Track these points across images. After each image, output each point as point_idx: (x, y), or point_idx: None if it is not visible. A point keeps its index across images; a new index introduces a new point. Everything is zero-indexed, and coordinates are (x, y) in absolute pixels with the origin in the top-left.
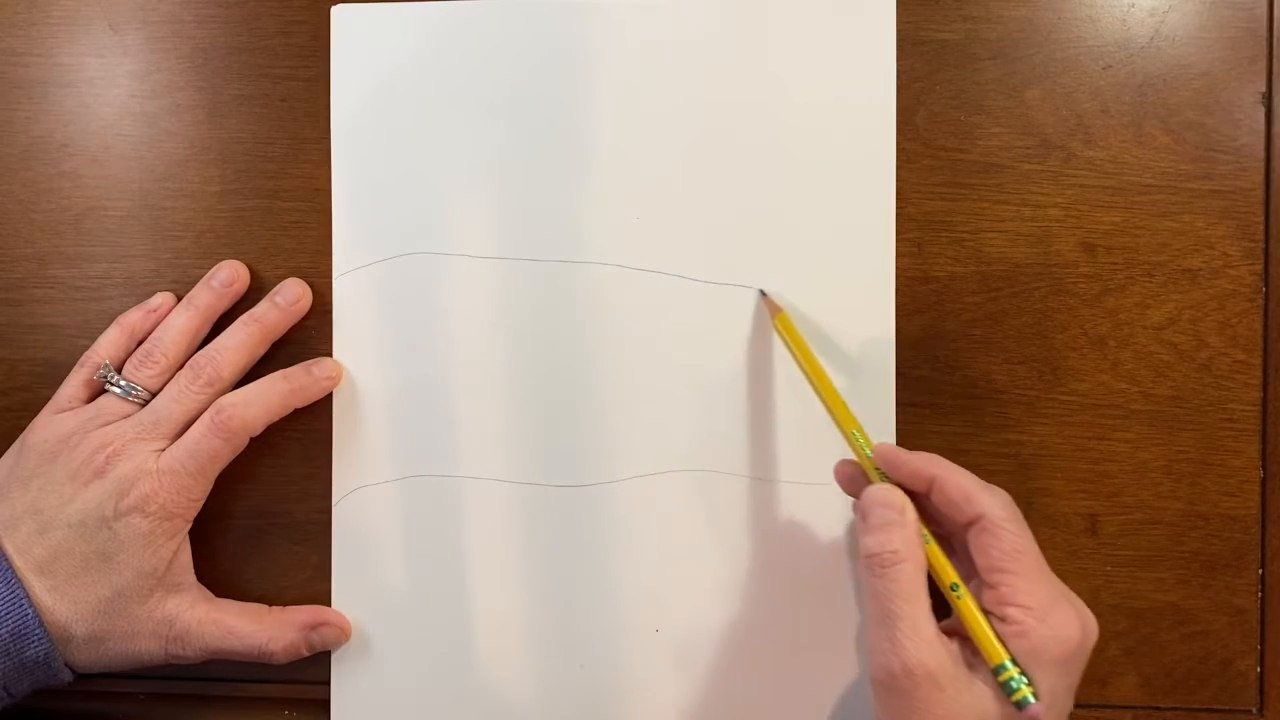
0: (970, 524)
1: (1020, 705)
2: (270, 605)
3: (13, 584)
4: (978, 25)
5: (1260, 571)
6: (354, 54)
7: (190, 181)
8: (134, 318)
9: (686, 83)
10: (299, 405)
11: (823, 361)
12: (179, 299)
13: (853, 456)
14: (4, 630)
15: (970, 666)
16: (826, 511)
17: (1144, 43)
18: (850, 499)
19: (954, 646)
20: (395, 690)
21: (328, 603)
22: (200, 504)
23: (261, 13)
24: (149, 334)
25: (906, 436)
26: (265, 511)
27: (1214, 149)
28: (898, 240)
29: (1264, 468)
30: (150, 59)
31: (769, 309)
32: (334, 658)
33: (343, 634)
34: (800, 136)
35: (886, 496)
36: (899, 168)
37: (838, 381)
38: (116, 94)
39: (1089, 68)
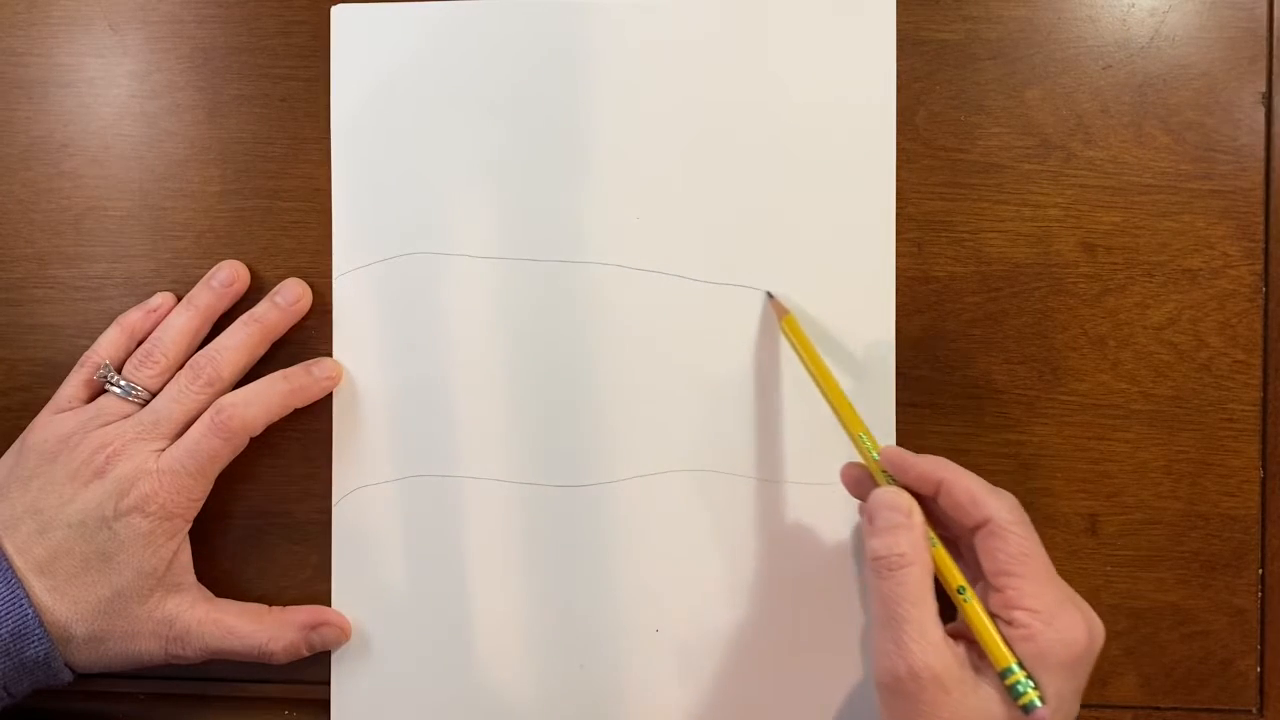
0: (977, 527)
1: (1027, 709)
2: (270, 605)
3: (13, 584)
4: (978, 25)
5: (1260, 571)
6: (354, 54)
7: (190, 181)
8: (134, 318)
9: (686, 83)
10: (299, 405)
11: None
12: (179, 299)
13: (859, 459)
14: (4, 630)
15: (976, 670)
16: (828, 512)
17: (1144, 43)
18: (853, 501)
19: (960, 650)
20: (395, 690)
21: (328, 603)
22: (200, 504)
23: (261, 13)
24: (149, 334)
25: (906, 436)
26: (265, 511)
27: (1214, 149)
28: (898, 240)
29: (1264, 468)
30: (150, 59)
31: (776, 311)
32: (334, 658)
33: (343, 634)
34: (800, 136)
35: (893, 499)
36: (899, 168)
37: (838, 382)
38: (116, 94)
39: (1089, 68)
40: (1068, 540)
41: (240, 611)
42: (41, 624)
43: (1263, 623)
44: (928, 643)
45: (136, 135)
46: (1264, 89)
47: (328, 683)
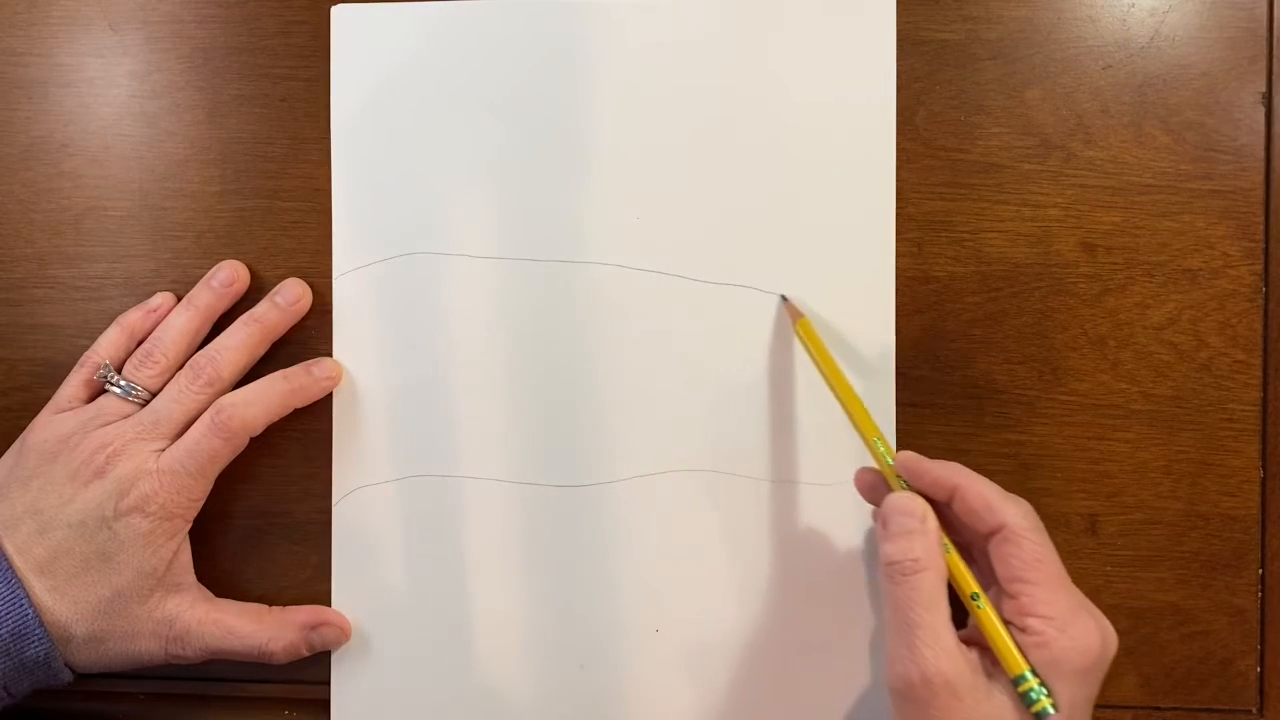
0: (991, 533)
1: (1040, 716)
2: (270, 605)
3: (13, 584)
4: (978, 25)
5: (1260, 571)
6: (354, 54)
7: (190, 181)
8: (134, 318)
9: (686, 83)
10: (299, 405)
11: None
12: (179, 299)
13: (870, 463)
14: (4, 630)
15: (989, 676)
16: (830, 512)
17: (1144, 43)
18: (857, 501)
19: (973, 656)
20: (395, 690)
21: (328, 603)
22: (200, 504)
23: (261, 13)
24: (149, 334)
25: (906, 436)
26: (265, 511)
27: (1214, 149)
28: (898, 240)
29: (1264, 468)
30: (150, 59)
31: (790, 314)
32: (334, 658)
33: (343, 634)
34: (800, 136)
35: (908, 504)
36: (899, 168)
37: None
38: (116, 94)
39: (1089, 68)
40: (1068, 540)
41: (240, 611)
42: (41, 624)
43: (1263, 623)
44: (940, 648)
45: (136, 135)
46: (1264, 89)
47: (328, 683)
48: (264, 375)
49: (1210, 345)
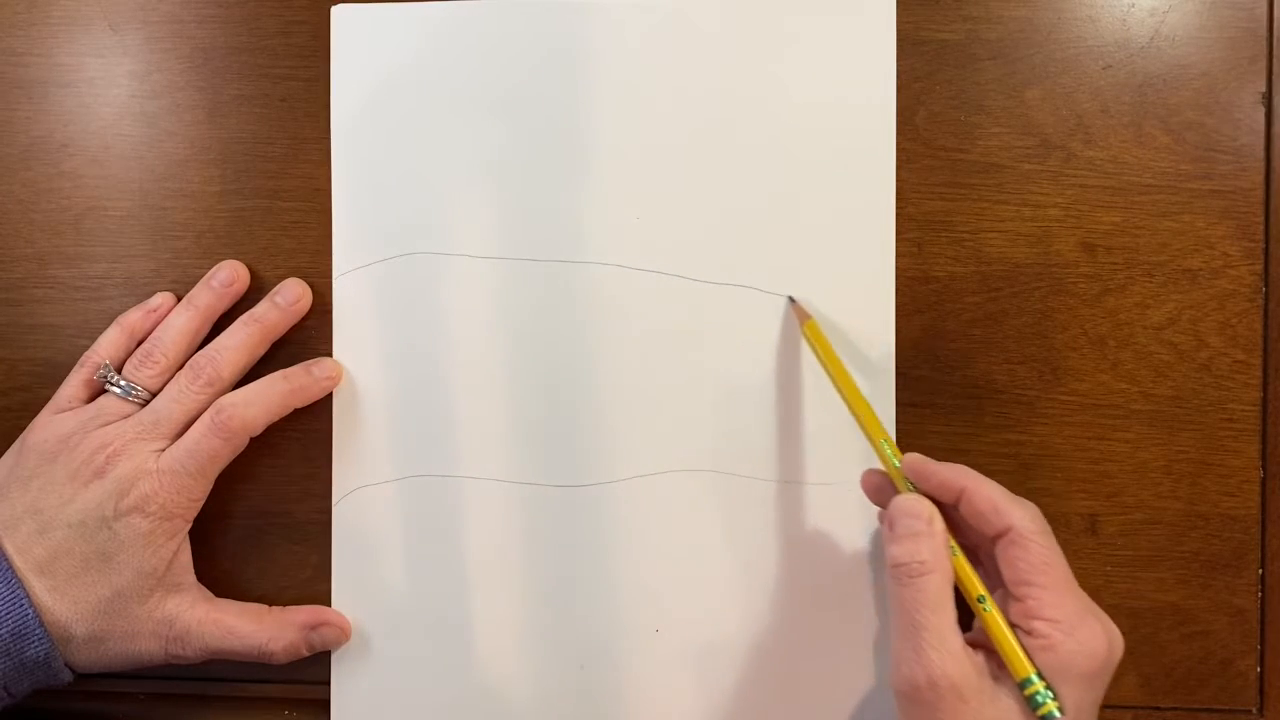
0: (998, 536)
1: None
2: (270, 605)
3: (13, 584)
4: (978, 25)
5: (1260, 571)
6: (354, 54)
7: (190, 181)
8: (134, 318)
9: (686, 83)
10: (299, 405)
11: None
12: (179, 299)
13: (875, 464)
14: (4, 630)
15: (995, 679)
16: (829, 512)
17: (1144, 43)
18: (859, 500)
19: (979, 659)
20: (395, 690)
21: (328, 603)
22: (200, 504)
23: (261, 13)
24: (149, 334)
25: (906, 436)
26: (265, 511)
27: (1214, 149)
28: (898, 240)
29: (1264, 468)
30: (150, 59)
31: (798, 315)
32: (334, 658)
33: (343, 634)
34: (800, 136)
35: (915, 506)
36: (899, 168)
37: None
38: (116, 94)
39: (1089, 68)
40: (1068, 540)
41: (240, 611)
42: (41, 624)
43: (1263, 623)
44: (947, 651)
45: (136, 135)
46: (1264, 89)
47: (328, 683)
48: (264, 375)
49: (1210, 345)
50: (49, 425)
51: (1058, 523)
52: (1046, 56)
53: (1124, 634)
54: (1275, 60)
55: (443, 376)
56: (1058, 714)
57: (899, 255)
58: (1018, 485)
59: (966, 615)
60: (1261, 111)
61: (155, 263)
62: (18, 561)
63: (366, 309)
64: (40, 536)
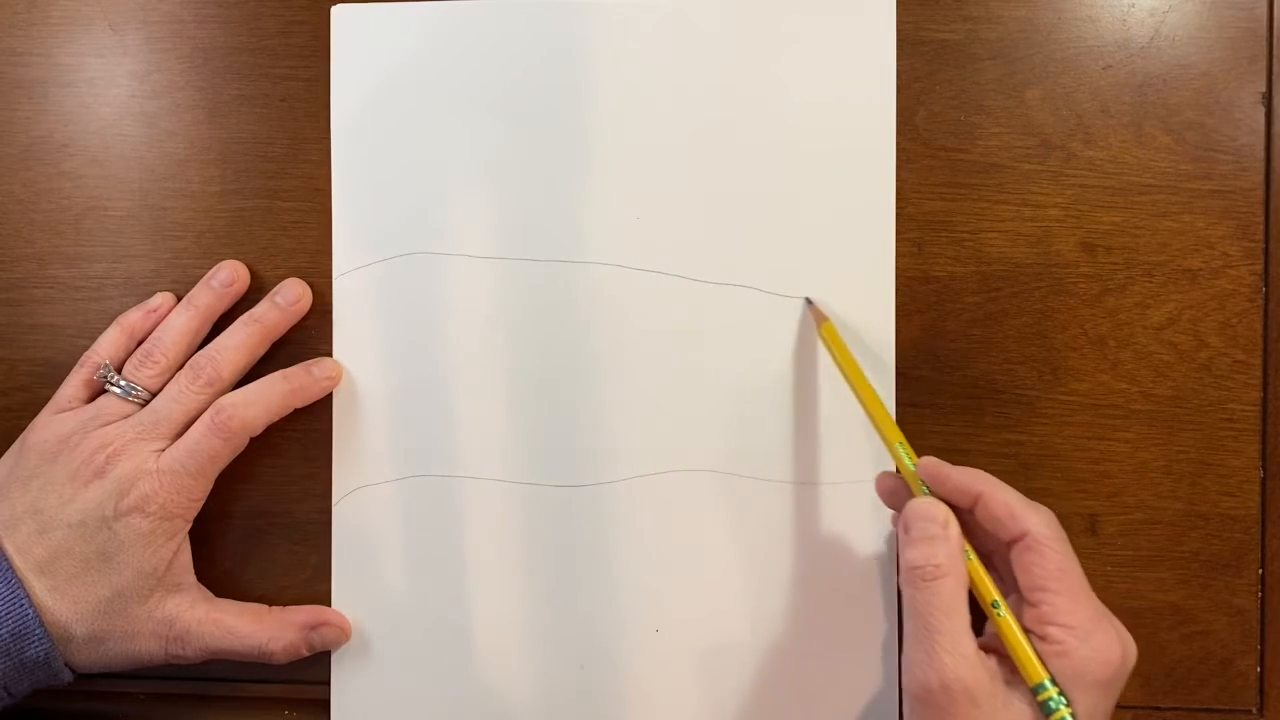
0: (1013, 541)
1: None
2: (270, 605)
3: (13, 584)
4: (978, 25)
5: (1260, 571)
6: (354, 54)
7: (190, 181)
8: (134, 318)
9: (686, 82)
10: (299, 405)
11: (825, 362)
12: (179, 299)
13: (890, 467)
14: (4, 630)
15: (1008, 684)
16: (828, 512)
17: (1144, 43)
18: (861, 499)
19: (992, 664)
20: (395, 690)
21: (328, 603)
22: (200, 504)
23: (261, 13)
24: (149, 334)
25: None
26: (265, 511)
27: (1214, 149)
28: (898, 240)
29: (1264, 468)
30: (150, 59)
31: (815, 317)
32: (334, 658)
33: (343, 634)
34: (800, 136)
35: (930, 510)
36: (899, 168)
37: (836, 381)
38: (116, 94)
39: (1089, 68)
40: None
41: (240, 611)
42: (41, 624)
43: (1263, 623)
44: (960, 655)
45: (136, 135)
46: (1264, 89)
47: (328, 683)
48: (264, 375)
49: (1210, 345)
50: (49, 425)
51: None
52: (1046, 56)
53: None
54: (1275, 60)
55: (443, 376)
56: None
57: (899, 255)
58: (1017, 485)
59: (978, 620)
60: (1261, 111)
61: (155, 263)
62: (18, 561)
63: (366, 309)
64: (40, 536)
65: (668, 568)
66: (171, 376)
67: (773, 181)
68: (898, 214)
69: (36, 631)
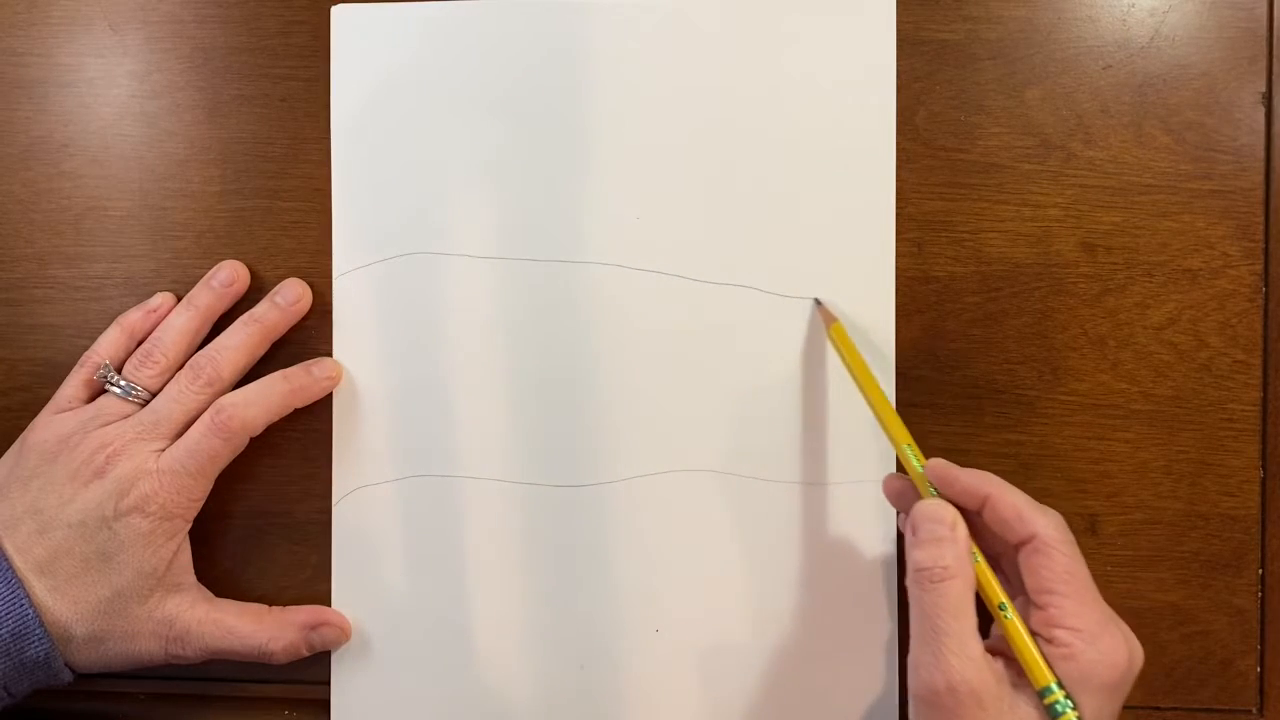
0: (1021, 544)
1: None
2: (270, 605)
3: (13, 584)
4: (978, 25)
5: (1260, 571)
6: (354, 54)
7: (190, 181)
8: (134, 318)
9: (686, 82)
10: (299, 405)
11: (826, 362)
12: (179, 299)
13: (890, 468)
14: (4, 630)
15: (1015, 687)
16: (828, 512)
17: (1144, 43)
18: (861, 499)
19: (999, 666)
20: (395, 690)
21: (328, 603)
22: (200, 504)
23: (261, 13)
24: (149, 334)
25: None
26: (265, 511)
27: (1214, 149)
28: (898, 240)
29: (1264, 468)
30: (150, 59)
31: (824, 318)
32: (334, 658)
33: (343, 634)
34: (800, 136)
35: (938, 511)
36: (899, 168)
37: (838, 382)
38: (116, 94)
39: (1089, 68)
40: None
41: (240, 611)
42: (42, 624)
43: (1263, 623)
44: (967, 657)
45: (136, 135)
46: (1264, 89)
47: (328, 683)
48: (264, 375)
49: (1210, 345)
50: (49, 425)
51: None
52: (1046, 56)
53: None
54: (1275, 60)
55: (443, 376)
56: None
57: (899, 255)
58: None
59: (984, 622)
60: (1261, 111)
61: (155, 263)
62: (18, 561)
63: (366, 309)
64: (40, 536)
65: (668, 568)
66: (171, 376)
67: (773, 181)
68: (898, 214)
69: (36, 631)
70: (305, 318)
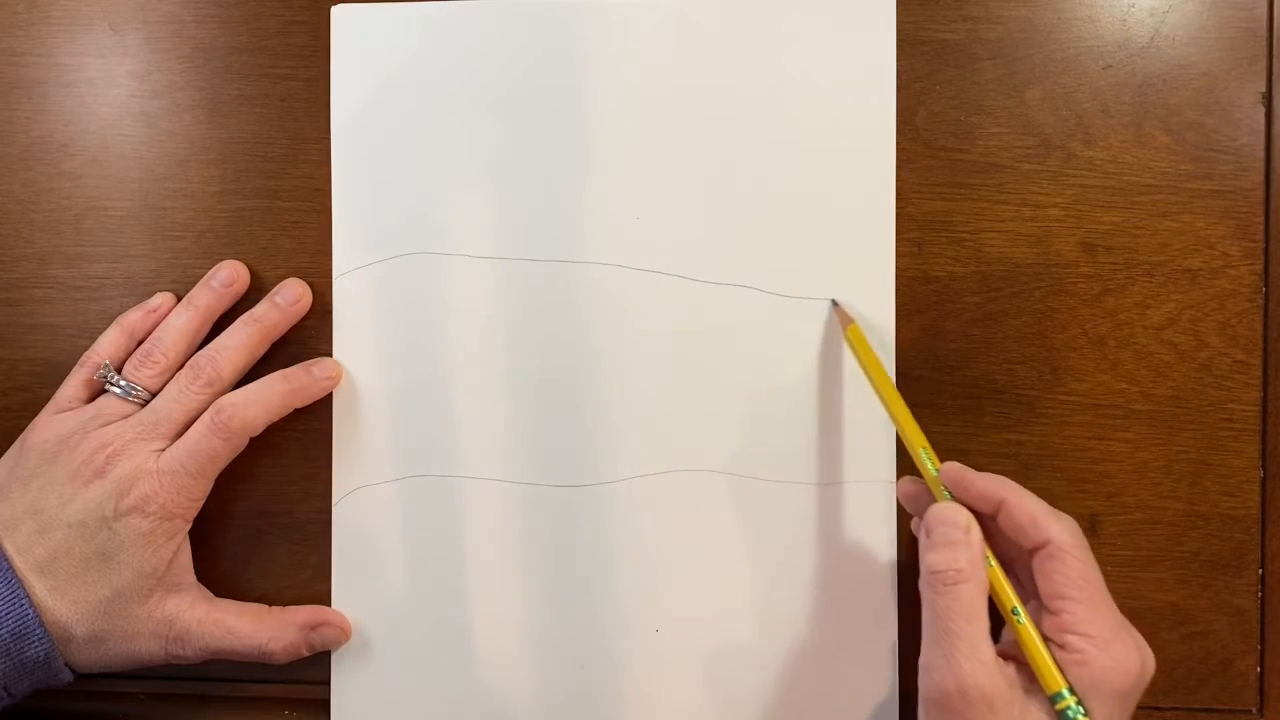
0: (1036, 549)
1: None
2: (270, 605)
3: (13, 584)
4: (978, 25)
5: (1260, 571)
6: (354, 54)
7: (190, 181)
8: (134, 318)
9: (687, 82)
10: (299, 405)
11: (825, 363)
12: (179, 299)
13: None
14: (4, 630)
15: (1026, 692)
16: (829, 512)
17: (1144, 43)
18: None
19: (1010, 670)
20: (395, 690)
21: (328, 603)
22: (200, 504)
23: (261, 13)
24: (149, 334)
25: None
26: (265, 511)
27: (1214, 149)
28: (898, 240)
29: (1264, 468)
30: (150, 59)
31: (840, 319)
32: (334, 658)
33: (343, 634)
34: (800, 136)
35: (953, 515)
36: (899, 168)
37: (841, 382)
38: (116, 94)
39: (1089, 68)
40: None
41: (240, 611)
42: (42, 624)
43: (1263, 623)
44: (979, 661)
45: (136, 135)
46: (1264, 89)
47: (328, 683)
48: (264, 375)
49: (1210, 345)
50: (49, 425)
51: None
52: (1046, 56)
53: None
54: (1275, 60)
55: (443, 376)
56: None
57: (899, 255)
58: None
59: (996, 626)
60: (1261, 111)
61: (155, 263)
62: (18, 561)
63: (366, 309)
64: (40, 536)
65: (668, 567)
66: (171, 376)
67: (773, 181)
68: (898, 214)
69: (36, 631)
70: (305, 318)
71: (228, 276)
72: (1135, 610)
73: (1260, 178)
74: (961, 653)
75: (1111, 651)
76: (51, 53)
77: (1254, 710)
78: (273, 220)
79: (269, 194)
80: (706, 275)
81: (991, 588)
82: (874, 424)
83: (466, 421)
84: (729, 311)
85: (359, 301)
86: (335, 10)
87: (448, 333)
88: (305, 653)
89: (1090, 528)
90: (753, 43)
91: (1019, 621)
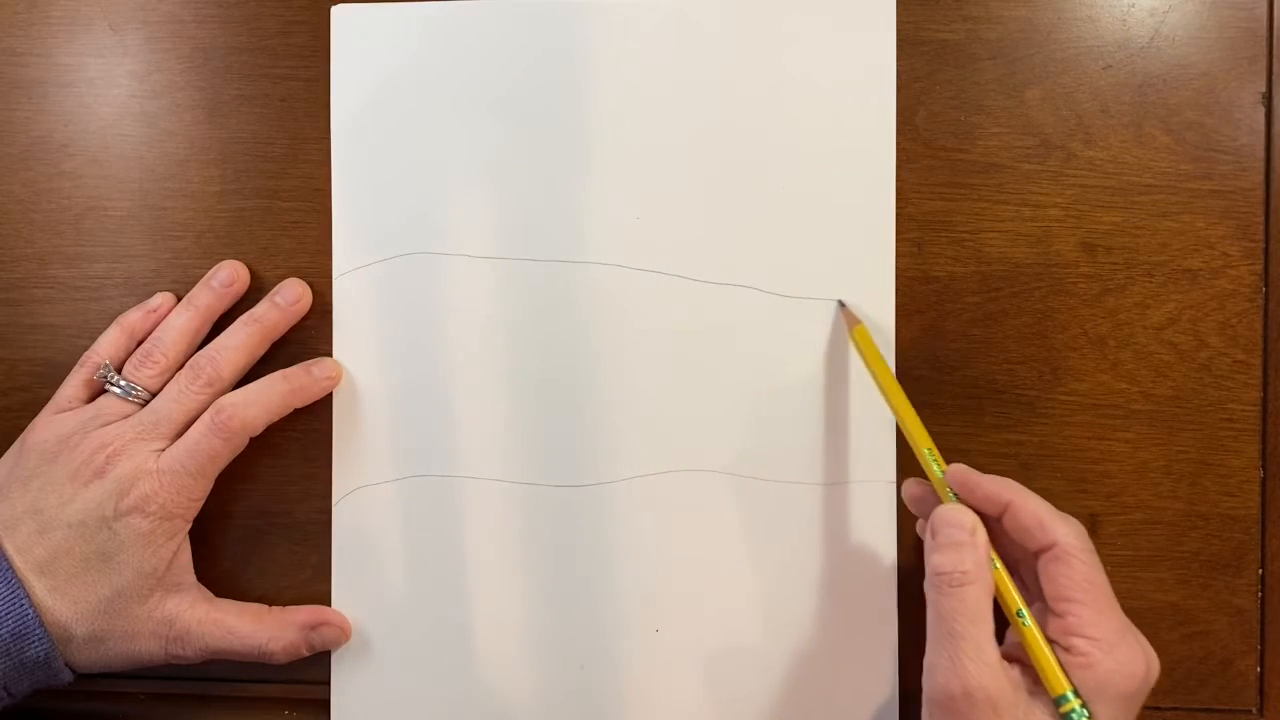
0: (1041, 551)
1: None
2: (270, 605)
3: (13, 584)
4: (978, 25)
5: (1260, 571)
6: (354, 54)
7: (190, 181)
8: (134, 318)
9: (687, 82)
10: (299, 405)
11: (826, 363)
12: (179, 299)
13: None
14: (4, 630)
15: (1030, 694)
16: (829, 512)
17: (1144, 43)
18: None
19: (1015, 672)
20: (395, 690)
21: (328, 603)
22: (200, 504)
23: (261, 13)
24: (149, 334)
25: None
26: (265, 511)
27: (1214, 149)
28: (898, 240)
29: (1264, 468)
30: (150, 59)
31: (847, 320)
32: (334, 658)
33: (343, 634)
34: (800, 136)
35: (958, 517)
36: (899, 168)
37: (838, 382)
38: (116, 94)
39: (1089, 68)
40: None
41: (240, 611)
42: (42, 624)
43: (1263, 623)
44: (984, 662)
45: (136, 135)
46: (1264, 89)
47: (328, 683)
48: (264, 375)
49: (1210, 345)
50: (49, 425)
51: None
52: (1046, 56)
53: None
54: (1275, 60)
55: (443, 376)
56: None
57: (899, 255)
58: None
59: (1000, 629)
60: (1261, 111)
61: (155, 263)
62: (18, 561)
63: (366, 309)
64: (40, 536)
65: (668, 568)
66: (171, 376)
67: (773, 181)
68: (898, 214)
69: (36, 631)
70: (305, 318)
71: (228, 276)
72: (1135, 610)
73: (1260, 178)
74: (966, 654)
75: (1117, 654)
76: (51, 53)
77: (1254, 710)
78: (273, 220)
79: (269, 194)
80: (706, 275)
81: (997, 590)
82: (875, 424)
83: (466, 421)
84: (729, 311)
85: (359, 301)
86: (335, 10)
87: (448, 333)
88: (305, 653)
89: (1090, 528)
90: (753, 43)
91: (1024, 624)
